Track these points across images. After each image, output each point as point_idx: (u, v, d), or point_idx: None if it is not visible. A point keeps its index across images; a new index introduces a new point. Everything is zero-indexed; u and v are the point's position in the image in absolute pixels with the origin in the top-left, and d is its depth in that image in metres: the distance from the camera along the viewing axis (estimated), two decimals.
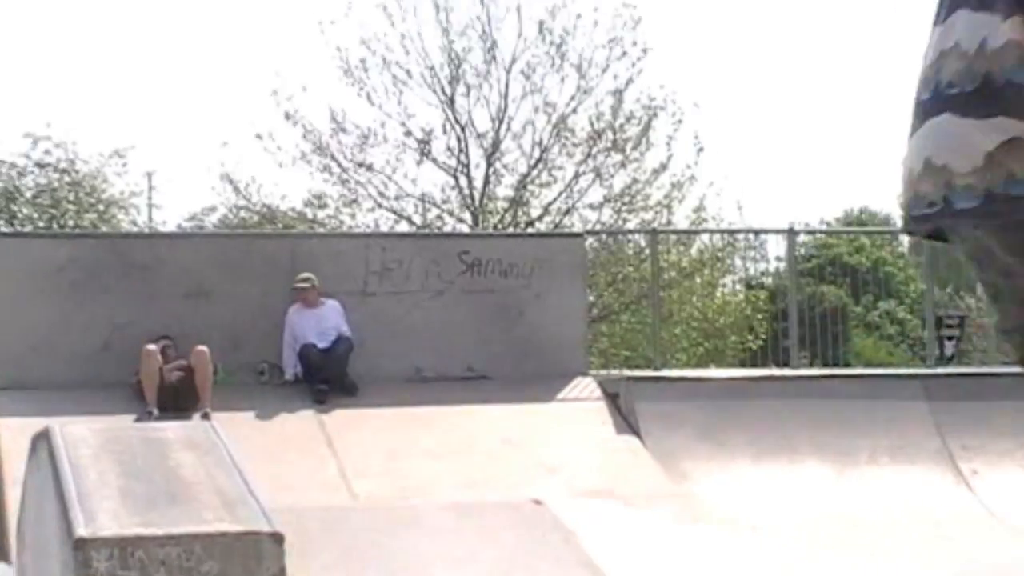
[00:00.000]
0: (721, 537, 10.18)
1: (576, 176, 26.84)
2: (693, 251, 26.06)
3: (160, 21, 69.96)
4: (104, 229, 23.71)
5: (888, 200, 69.82)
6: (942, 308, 25.01)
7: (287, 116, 26.30)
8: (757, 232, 23.37)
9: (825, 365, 19.92)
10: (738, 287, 27.21)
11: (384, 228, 25.74)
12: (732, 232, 25.22)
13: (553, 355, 15.72)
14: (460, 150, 26.74)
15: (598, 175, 26.76)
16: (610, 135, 26.62)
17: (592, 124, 26.65)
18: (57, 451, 7.95)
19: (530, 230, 25.11)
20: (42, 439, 8.38)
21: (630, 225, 26.34)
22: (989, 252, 2.59)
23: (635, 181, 26.89)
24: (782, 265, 22.14)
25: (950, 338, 22.30)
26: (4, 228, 22.20)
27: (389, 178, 26.71)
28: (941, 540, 13.09)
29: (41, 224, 23.84)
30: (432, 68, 26.37)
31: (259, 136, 26.28)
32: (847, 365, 22.11)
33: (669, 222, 26.26)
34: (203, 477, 7.87)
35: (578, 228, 24.85)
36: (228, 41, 74.45)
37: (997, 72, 2.50)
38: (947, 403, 15.81)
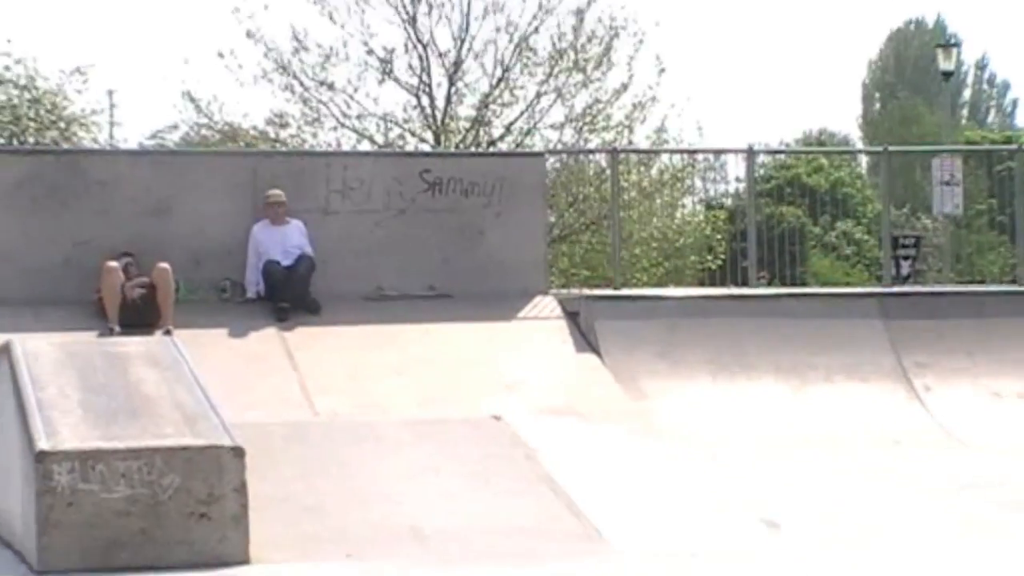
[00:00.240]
0: (678, 453, 10.25)
1: (538, 96, 26.73)
2: (653, 172, 26.04)
3: None
4: (65, 146, 23.53)
5: (847, 121, 69.91)
6: (899, 228, 25.14)
7: (248, 34, 26.10)
8: (717, 152, 23.35)
9: (783, 285, 19.99)
10: (698, 208, 27.21)
11: (346, 147, 25.59)
12: (692, 152, 25.16)
13: (514, 274, 15.71)
14: (422, 69, 26.60)
15: (560, 95, 26.66)
16: (572, 55, 26.50)
17: (554, 44, 26.53)
18: (17, 365, 7.92)
19: (492, 150, 25.02)
20: (2, 353, 8.35)
21: (591, 145, 26.26)
22: None
23: (596, 101, 26.79)
24: (741, 186, 22.14)
25: (906, 258, 22.39)
26: None
27: (351, 97, 26.57)
28: (894, 455, 13.20)
29: (2, 140, 23.63)
30: None
31: (220, 54, 26.09)
32: (804, 285, 22.18)
33: (630, 142, 26.20)
34: (164, 392, 7.87)
35: (539, 148, 24.76)
36: None
37: None
38: (902, 321, 15.89)
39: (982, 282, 24.11)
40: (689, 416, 14.34)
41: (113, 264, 14.23)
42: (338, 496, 7.95)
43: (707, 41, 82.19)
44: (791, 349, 15.37)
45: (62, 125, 24.86)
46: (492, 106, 26.78)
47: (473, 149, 25.03)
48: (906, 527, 7.92)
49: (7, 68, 24.91)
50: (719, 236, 25.85)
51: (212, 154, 20.16)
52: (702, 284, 22.40)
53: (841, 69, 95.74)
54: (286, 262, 14.89)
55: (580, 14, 26.46)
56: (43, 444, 7.16)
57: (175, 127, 27.15)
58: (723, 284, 20.09)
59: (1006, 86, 71.84)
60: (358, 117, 26.59)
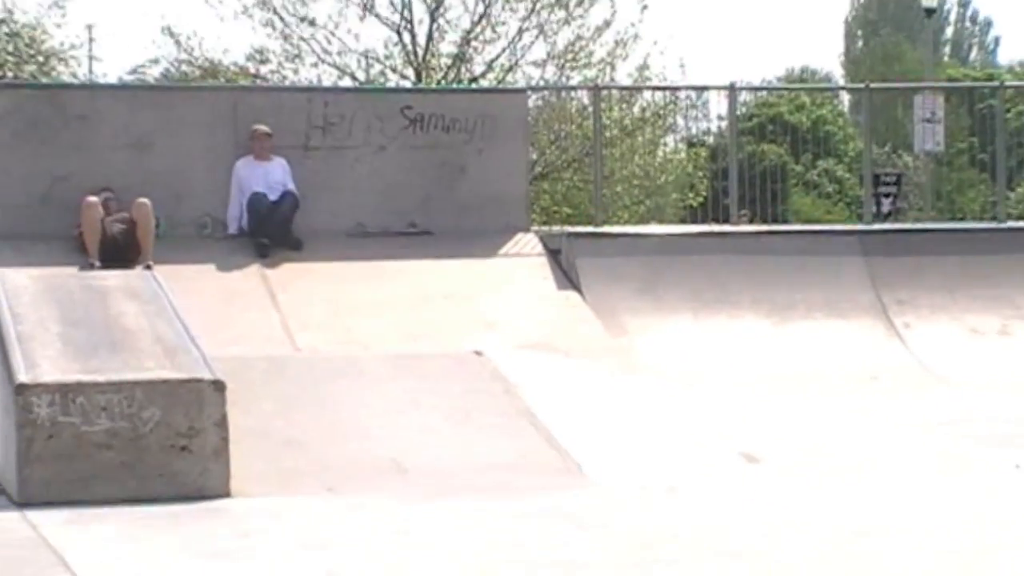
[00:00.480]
0: (658, 388, 10.28)
1: (519, 33, 26.63)
2: (635, 109, 25.98)
3: None
4: (44, 80, 23.39)
5: (829, 59, 69.70)
6: (880, 166, 25.14)
7: None
8: (699, 90, 23.29)
9: (764, 223, 20.00)
10: (679, 146, 27.20)
11: (327, 84, 25.49)
12: (674, 90, 25.14)
13: (495, 211, 15.70)
14: (403, 6, 26.48)
15: (541, 32, 26.56)
16: None
17: None
18: None
19: (473, 86, 24.94)
20: None
21: (573, 82, 26.20)
22: None
23: (579, 38, 26.69)
24: (723, 124, 22.09)
25: (887, 195, 22.39)
26: None
27: (332, 33, 26.44)
28: (873, 391, 13.25)
29: None
30: None
31: None
32: (785, 223, 22.18)
33: (612, 80, 26.13)
34: (144, 326, 7.85)
35: (521, 85, 24.68)
36: None
37: None
38: (882, 259, 15.92)
39: (963, 219, 24.17)
40: (670, 352, 14.38)
41: (93, 199, 14.18)
42: (319, 430, 7.95)
43: None
44: (772, 286, 15.40)
45: (41, 59, 24.71)
46: (474, 43, 26.68)
47: (455, 85, 24.94)
48: (884, 462, 7.97)
49: None
50: (701, 174, 25.84)
51: (192, 89, 20.07)
52: (683, 222, 22.40)
53: (823, 6, 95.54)
54: (271, 197, 14.88)
55: None
56: (23, 377, 7.15)
57: (155, 62, 26.96)
58: (704, 222, 20.08)
59: (988, 23, 71.78)
60: (339, 53, 26.49)
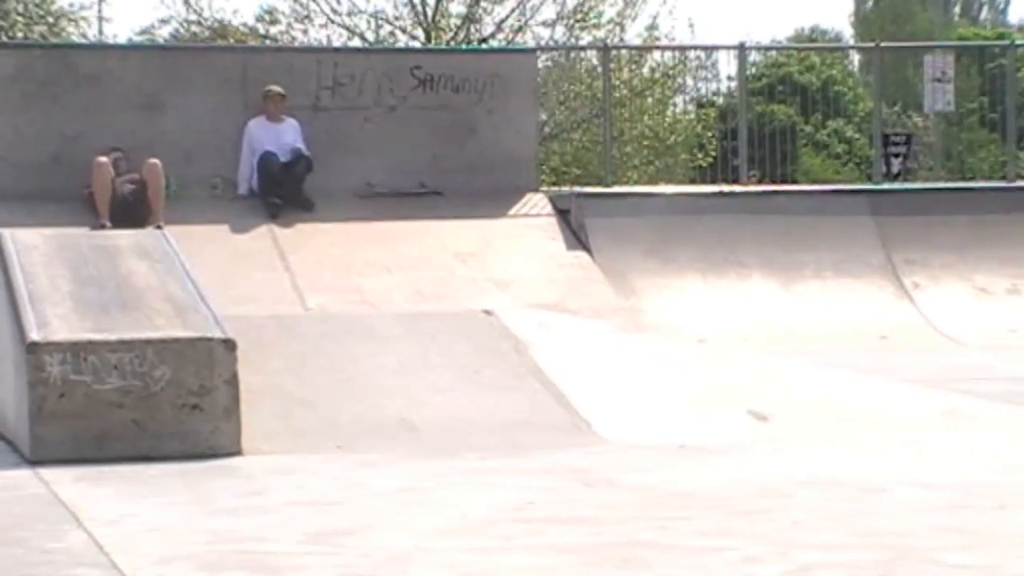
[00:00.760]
0: (667, 348, 10.28)
1: None
2: (645, 70, 25.89)
3: None
4: (54, 41, 23.35)
5: (839, 18, 69.46)
6: (889, 126, 25.07)
7: None
8: (708, 50, 23.26)
9: (773, 183, 19.96)
10: (689, 106, 27.13)
11: (336, 44, 25.43)
12: (683, 50, 25.08)
13: (504, 171, 15.70)
14: None
15: None
16: None
17: None
18: (8, 257, 7.90)
19: (483, 46, 24.87)
20: None
21: (582, 43, 26.12)
22: None
23: None
24: (732, 84, 22.05)
25: (897, 155, 22.32)
26: None
27: None
28: (883, 350, 13.27)
29: None
30: None
31: None
32: (795, 183, 22.15)
33: (621, 40, 26.04)
34: (155, 284, 7.86)
35: (531, 45, 24.60)
36: None
37: None
38: (892, 218, 15.92)
39: (972, 179, 24.10)
40: (678, 312, 14.40)
41: (103, 160, 14.20)
42: (329, 389, 7.97)
43: None
44: (781, 246, 15.40)
45: (50, 20, 24.67)
46: (483, 3, 26.60)
47: (464, 46, 24.87)
48: (891, 419, 7.98)
49: None
50: (710, 134, 25.78)
51: (202, 50, 20.05)
52: (693, 182, 22.40)
53: None
54: (283, 158, 14.88)
55: None
56: (35, 335, 7.16)
57: (165, 23, 26.90)
58: (714, 182, 20.06)
59: None
60: (348, 14, 26.44)
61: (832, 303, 15.00)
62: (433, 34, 26.28)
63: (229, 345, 7.28)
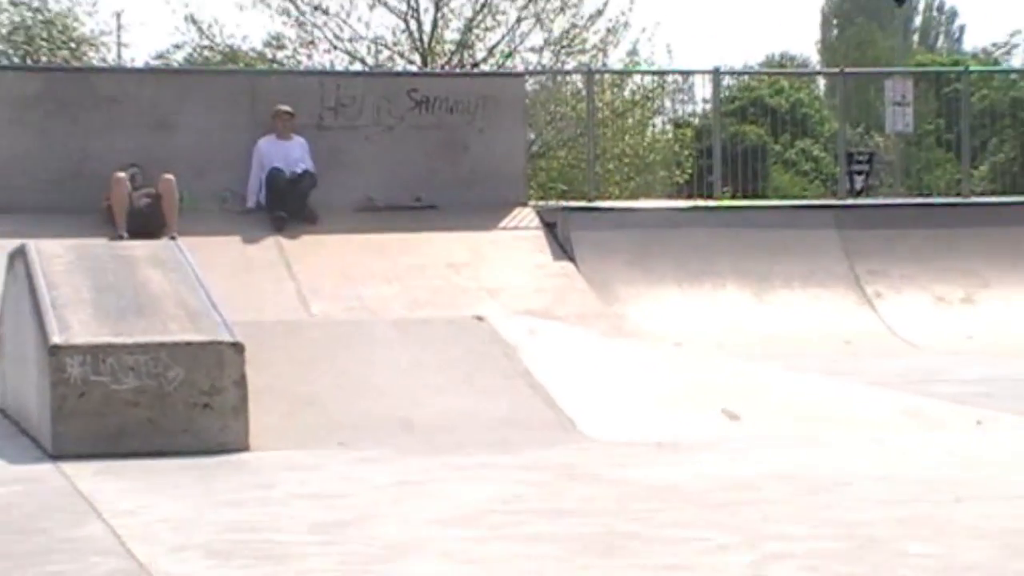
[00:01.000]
0: (647, 352, 10.29)
1: (518, 20, 26.58)
2: (626, 92, 25.96)
3: None
4: (76, 65, 23.33)
5: (806, 46, 69.53)
6: (853, 146, 25.10)
7: None
8: (685, 74, 23.30)
9: (745, 198, 20.00)
10: (667, 126, 27.16)
11: (339, 68, 25.42)
12: (662, 74, 25.11)
13: (495, 187, 15.72)
14: None
15: (539, 20, 26.50)
16: None
17: None
18: (32, 266, 7.89)
19: (475, 70, 24.87)
20: (18, 255, 8.32)
21: (568, 67, 26.15)
22: None
23: (573, 26, 26.63)
24: (707, 106, 22.09)
25: (860, 173, 22.38)
26: None
27: (344, 21, 26.40)
28: (847, 354, 13.28)
29: (15, 59, 23.42)
30: None
31: None
32: (765, 198, 22.19)
33: (604, 64, 26.07)
34: (169, 292, 7.85)
35: (520, 69, 24.62)
36: None
37: None
38: (855, 232, 15.96)
39: (930, 196, 24.15)
40: (658, 319, 14.41)
41: (121, 175, 14.20)
42: (331, 390, 7.96)
43: None
44: (753, 257, 15.43)
45: (73, 45, 24.67)
46: (475, 30, 26.62)
47: (458, 70, 24.88)
48: (856, 419, 7.99)
49: None
50: (686, 153, 25.81)
51: (213, 73, 20.08)
52: (670, 197, 22.42)
53: None
54: (290, 174, 14.89)
55: None
56: (57, 339, 7.15)
57: (179, 48, 26.89)
58: (690, 197, 20.09)
59: (954, 13, 71.70)
60: (350, 40, 26.46)
61: (800, 311, 15.02)
62: (429, 59, 26.29)
63: (238, 348, 7.27)
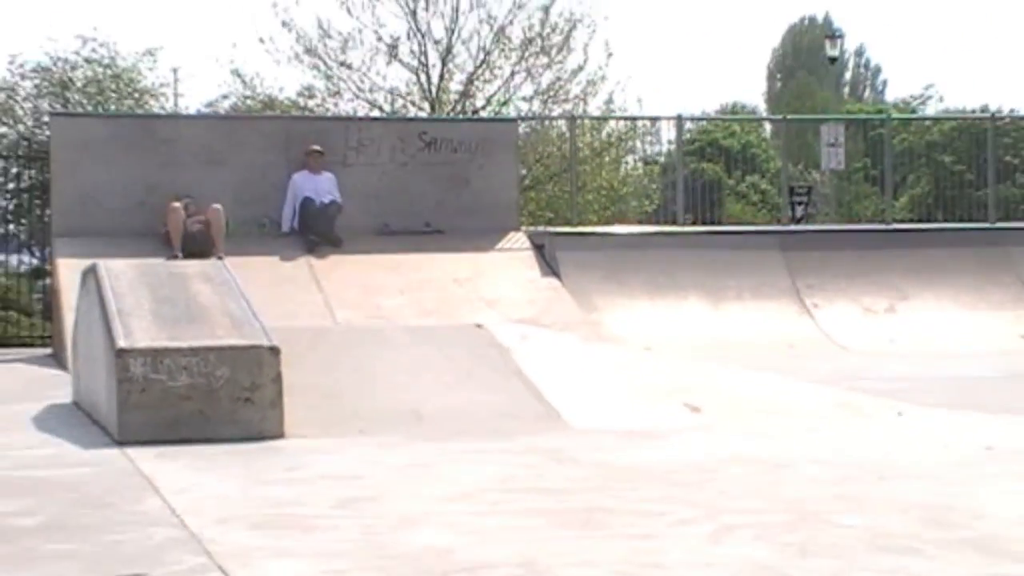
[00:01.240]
0: (621, 354, 10.27)
1: (512, 74, 26.53)
2: (603, 135, 25.93)
3: None
4: (139, 112, 23.30)
5: (755, 96, 69.64)
6: (794, 180, 25.09)
7: (284, 24, 25.85)
8: (653, 120, 23.32)
9: (704, 224, 19.99)
10: (638, 164, 27.16)
11: (360, 114, 25.41)
12: (633, 119, 25.10)
13: (492, 214, 15.73)
14: (421, 53, 26.39)
15: (529, 74, 26.46)
16: (539, 42, 26.29)
17: (525, 33, 26.32)
18: (102, 281, 7.87)
19: (475, 116, 24.86)
20: (90, 273, 8.30)
21: (554, 113, 26.13)
22: None
23: (558, 79, 26.58)
24: (672, 146, 22.08)
25: (800, 203, 22.38)
26: (61, 110, 21.74)
27: (365, 75, 26.34)
28: (790, 354, 13.28)
29: (89, 108, 23.37)
30: None
31: (261, 40, 25.85)
32: (721, 224, 22.18)
33: (585, 111, 26.05)
34: (216, 303, 7.83)
35: (513, 115, 24.61)
36: None
37: None
38: (796, 252, 15.98)
39: (859, 222, 24.16)
40: (630, 326, 14.41)
41: (177, 204, 14.20)
42: (353, 385, 7.94)
43: (646, 30, 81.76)
44: (710, 274, 15.44)
45: (137, 95, 24.63)
46: (476, 82, 26.59)
47: (461, 116, 24.87)
48: (797, 410, 7.97)
49: (93, 50, 24.67)
50: (654, 186, 25.81)
51: (254, 118, 20.07)
52: (641, 223, 22.39)
53: (750, 55, 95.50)
54: (319, 203, 14.92)
55: (546, 9, 26.26)
56: (122, 343, 7.13)
57: (225, 97, 26.85)
58: (657, 223, 20.08)
59: (878, 69, 71.80)
60: (370, 90, 26.41)
61: (750, 319, 15.02)
62: (436, 106, 26.27)
63: (274, 351, 7.25)
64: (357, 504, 5.18)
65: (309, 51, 26.12)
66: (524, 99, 26.66)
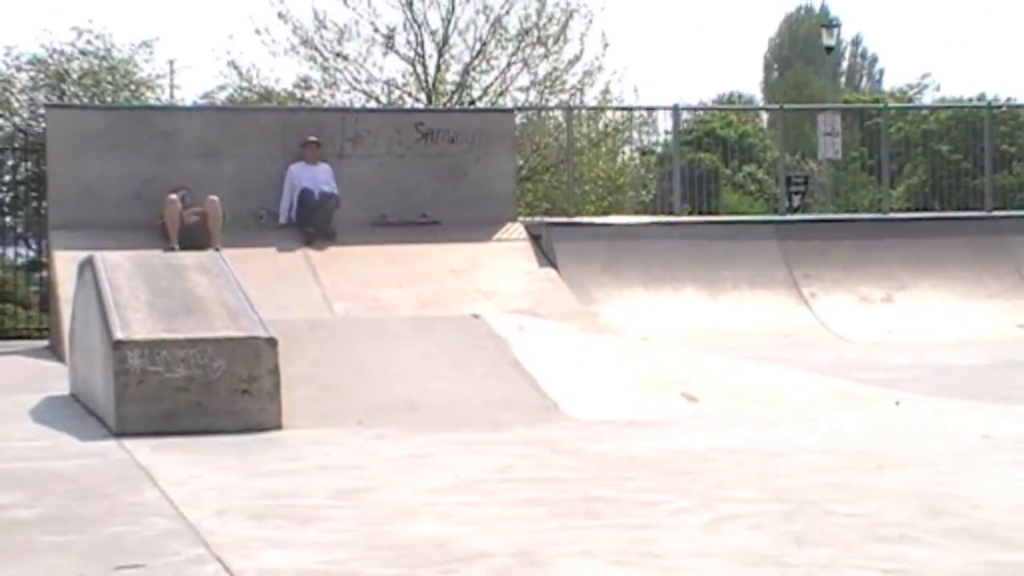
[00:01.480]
0: (618, 344, 10.27)
1: (508, 65, 26.51)
2: (600, 125, 25.91)
3: None
4: (136, 104, 23.28)
5: (752, 86, 69.65)
6: (791, 170, 25.11)
7: (280, 15, 25.82)
8: (649, 110, 23.30)
9: (701, 214, 20.00)
10: (635, 154, 27.15)
11: (357, 105, 25.38)
12: (630, 109, 25.10)
13: (489, 205, 15.73)
14: (417, 44, 26.37)
15: (526, 64, 26.44)
16: (535, 33, 26.26)
17: (521, 24, 26.29)
18: (99, 273, 7.87)
19: (472, 107, 24.84)
20: (87, 265, 8.29)
21: (551, 104, 26.11)
22: None
23: (555, 70, 26.56)
24: (669, 136, 22.08)
25: (796, 193, 22.40)
26: (57, 102, 21.72)
27: (361, 66, 26.31)
28: (788, 344, 13.29)
29: (85, 100, 23.35)
30: None
31: (258, 31, 25.82)
32: (717, 214, 22.20)
33: (581, 102, 26.04)
34: (213, 295, 7.83)
35: (510, 106, 24.59)
36: None
37: None
38: (793, 242, 15.99)
39: (855, 212, 24.17)
40: (627, 316, 14.42)
41: (173, 196, 14.19)
42: (351, 377, 7.94)
43: (642, 20, 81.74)
44: (707, 264, 15.44)
45: (133, 87, 24.60)
46: (472, 73, 26.57)
47: (457, 107, 24.85)
48: (794, 400, 7.98)
49: (89, 42, 24.64)
50: (651, 176, 25.81)
51: (251, 110, 20.05)
52: (638, 214, 22.40)
53: (747, 44, 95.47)
54: (317, 195, 14.93)
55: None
56: (119, 335, 7.13)
57: (222, 89, 26.83)
58: (654, 213, 20.08)
59: (875, 58, 71.93)
60: (367, 82, 26.38)
61: (747, 309, 15.03)
62: (433, 97, 26.25)
63: (272, 342, 7.25)
64: (355, 495, 5.18)
65: (305, 42, 26.09)
66: (520, 90, 26.66)
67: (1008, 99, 34.73)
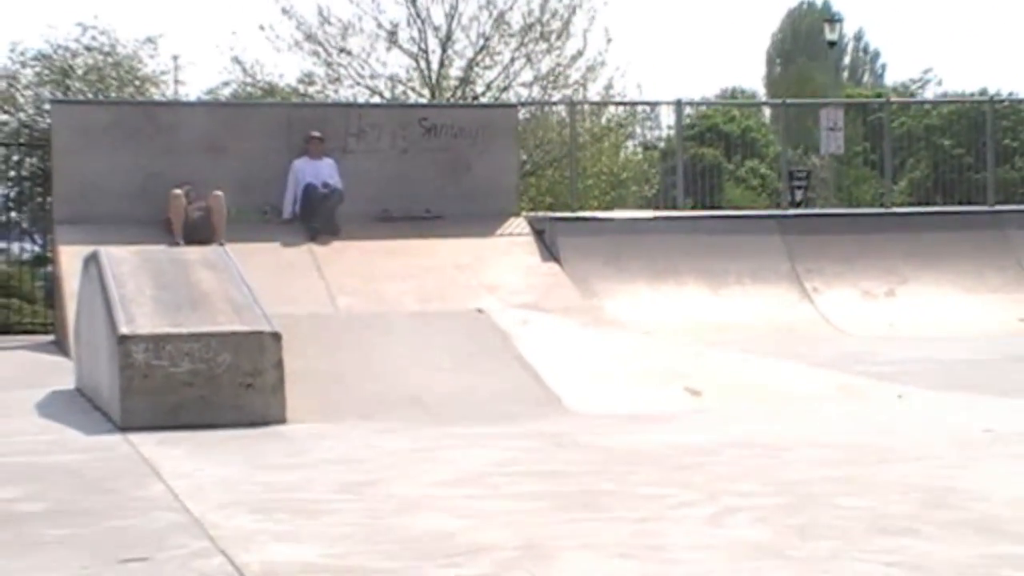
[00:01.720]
0: (621, 338, 10.27)
1: (512, 60, 26.49)
2: (603, 120, 25.90)
3: None
4: (140, 99, 23.28)
5: (754, 81, 69.64)
6: (794, 165, 25.08)
7: (284, 11, 25.82)
8: (652, 105, 23.30)
9: (703, 209, 19.98)
10: (637, 149, 27.13)
11: (361, 101, 25.37)
12: (633, 104, 25.08)
13: (493, 200, 15.72)
14: (421, 39, 26.35)
15: (529, 60, 26.42)
16: (538, 28, 26.24)
17: (524, 19, 26.27)
18: (103, 268, 7.87)
19: (475, 102, 24.83)
20: (92, 259, 8.30)
21: (554, 99, 26.10)
22: None
23: (558, 65, 26.55)
24: (671, 131, 22.06)
25: (799, 187, 22.37)
26: (62, 97, 21.72)
27: (365, 61, 26.30)
28: (790, 338, 13.28)
29: (90, 95, 23.34)
30: None
31: (261, 27, 25.82)
32: (720, 209, 22.17)
33: (584, 97, 26.02)
34: (218, 289, 7.83)
35: (513, 101, 24.58)
36: None
37: None
38: (795, 236, 15.98)
39: (858, 206, 24.15)
40: (630, 311, 14.41)
41: (178, 191, 14.19)
42: (355, 371, 7.94)
43: (645, 15, 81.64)
44: (710, 258, 15.43)
45: (137, 83, 24.60)
46: (476, 68, 26.55)
47: (461, 102, 24.84)
48: (797, 393, 7.98)
49: (93, 38, 24.64)
50: (654, 171, 25.79)
51: (255, 105, 20.05)
52: (640, 208, 22.38)
53: (750, 39, 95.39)
54: (321, 189, 14.93)
55: None
56: (124, 329, 7.13)
57: (226, 84, 26.82)
58: (657, 208, 20.06)
59: (877, 53, 71.71)
60: (371, 77, 26.36)
61: (750, 303, 15.02)
62: (436, 93, 26.24)
63: (276, 337, 7.26)
64: (359, 488, 5.19)
65: (309, 38, 26.08)
66: (524, 85, 26.63)
67: (1010, 93, 34.68)
